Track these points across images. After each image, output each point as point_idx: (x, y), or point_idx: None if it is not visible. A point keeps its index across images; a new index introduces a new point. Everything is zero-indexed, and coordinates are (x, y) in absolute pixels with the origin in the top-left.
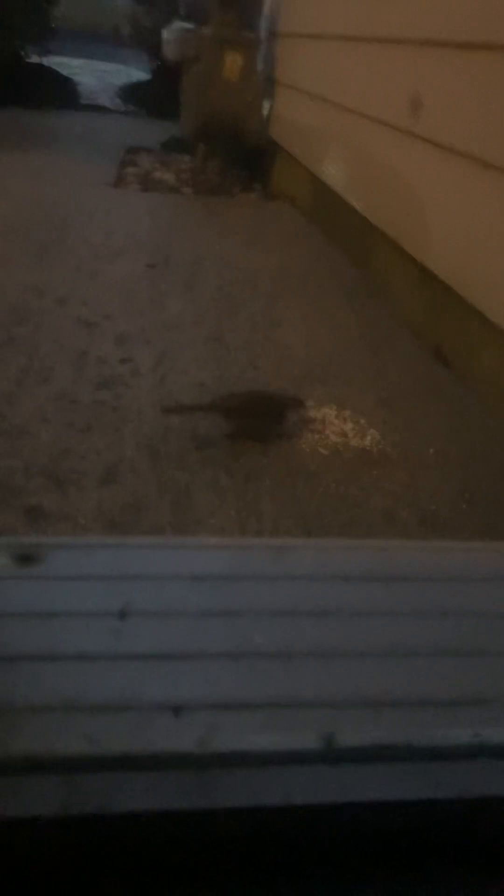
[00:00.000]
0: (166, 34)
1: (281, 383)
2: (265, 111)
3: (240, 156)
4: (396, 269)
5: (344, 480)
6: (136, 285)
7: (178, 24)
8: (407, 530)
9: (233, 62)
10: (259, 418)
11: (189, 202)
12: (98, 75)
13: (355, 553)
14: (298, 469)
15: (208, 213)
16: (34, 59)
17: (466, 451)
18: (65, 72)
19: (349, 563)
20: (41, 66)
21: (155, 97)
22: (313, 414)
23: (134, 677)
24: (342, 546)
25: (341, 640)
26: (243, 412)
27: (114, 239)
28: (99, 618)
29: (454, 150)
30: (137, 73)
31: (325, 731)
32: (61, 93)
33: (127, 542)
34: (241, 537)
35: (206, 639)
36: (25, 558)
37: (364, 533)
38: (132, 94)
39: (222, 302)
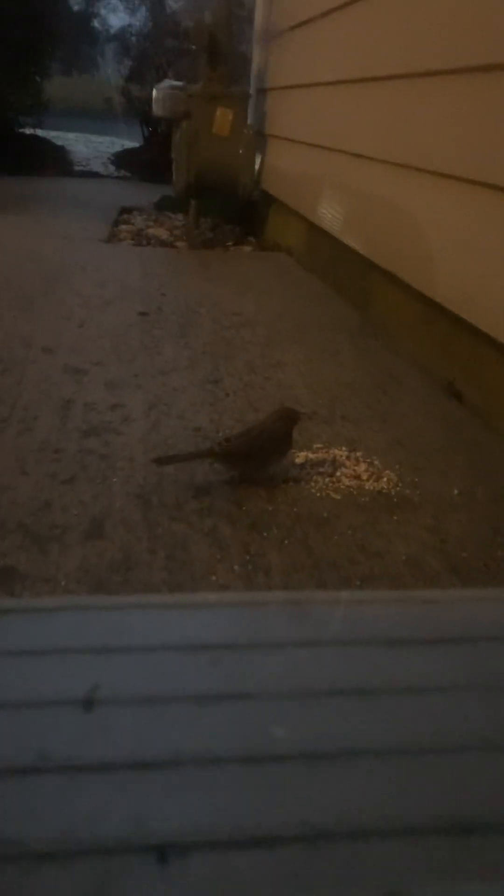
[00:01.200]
0: (156, 93)
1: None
2: (257, 164)
3: (233, 210)
4: (400, 307)
5: (361, 527)
6: (127, 332)
7: (167, 83)
8: (437, 581)
9: (223, 117)
10: (262, 462)
11: (182, 255)
12: (91, 145)
13: (396, 608)
14: (309, 516)
15: (202, 264)
16: (28, 130)
17: (493, 491)
18: (59, 142)
19: (390, 621)
20: (35, 136)
21: (147, 162)
22: (322, 456)
23: (98, 802)
24: (378, 599)
25: (394, 733)
26: (244, 456)
27: (105, 289)
28: (56, 709)
29: (456, 177)
30: (130, 143)
31: (388, 890)
32: (55, 161)
33: (99, 603)
34: (248, 591)
35: (206, 736)
36: None
37: (388, 587)
38: (124, 160)
39: (218, 346)
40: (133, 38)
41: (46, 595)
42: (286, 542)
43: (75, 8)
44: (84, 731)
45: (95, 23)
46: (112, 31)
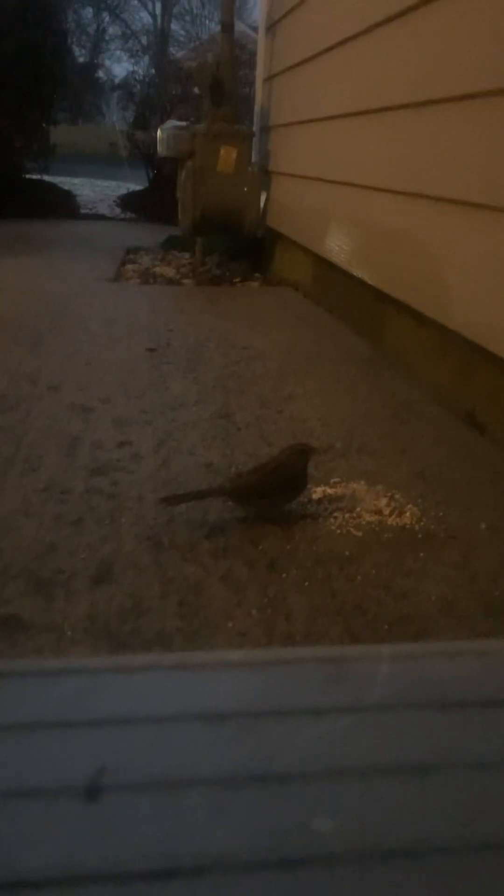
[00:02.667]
0: (160, 133)
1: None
2: (262, 201)
3: (239, 247)
4: (413, 337)
5: (385, 566)
6: (135, 368)
7: (172, 123)
8: (471, 623)
9: (227, 155)
10: (278, 498)
11: (189, 292)
12: (97, 189)
13: (444, 663)
14: (329, 555)
15: (209, 300)
16: (35, 176)
17: None
18: (65, 187)
19: (439, 679)
20: (42, 181)
21: (152, 204)
22: (340, 490)
23: None
24: (423, 653)
25: (461, 822)
26: (258, 492)
27: (112, 327)
28: (52, 800)
29: (466, 203)
30: (135, 186)
31: None
32: (62, 204)
33: (106, 665)
34: (276, 648)
35: (233, 832)
36: None
37: (419, 630)
38: (130, 202)
39: (228, 380)
40: (137, 85)
41: (50, 650)
42: (307, 583)
43: (81, 60)
44: (85, 828)
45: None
46: (116, 80)
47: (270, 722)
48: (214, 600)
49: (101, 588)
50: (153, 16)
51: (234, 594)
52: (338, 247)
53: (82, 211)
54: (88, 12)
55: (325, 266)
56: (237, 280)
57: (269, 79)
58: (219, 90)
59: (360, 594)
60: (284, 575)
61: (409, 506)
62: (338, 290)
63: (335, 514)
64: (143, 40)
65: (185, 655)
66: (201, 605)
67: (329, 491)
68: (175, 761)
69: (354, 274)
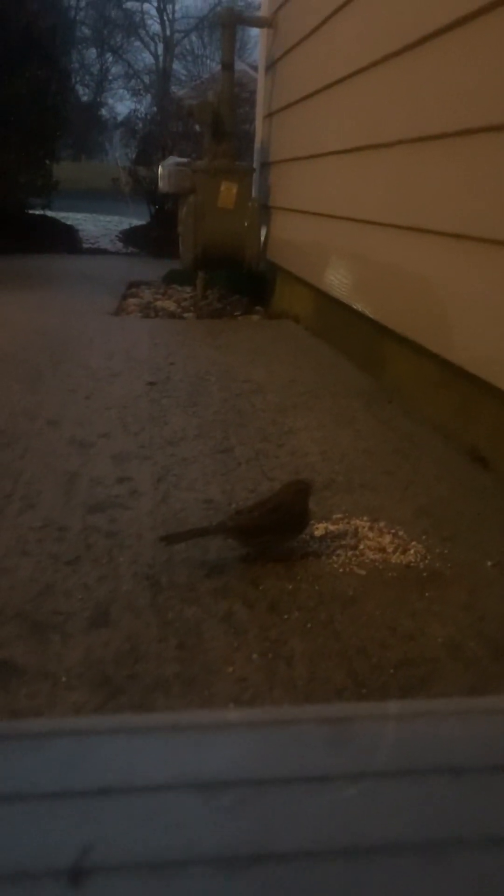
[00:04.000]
0: (162, 170)
1: (293, 478)
2: (262, 235)
3: (240, 280)
4: (414, 370)
5: (390, 606)
6: (135, 403)
7: (173, 160)
8: (480, 668)
9: (228, 191)
10: (279, 535)
11: (190, 326)
12: (99, 224)
13: (455, 723)
14: (332, 594)
15: (210, 334)
16: (38, 211)
17: None
18: (68, 222)
19: (450, 739)
20: (45, 216)
21: (154, 239)
22: (343, 527)
23: None
24: (432, 711)
25: None
26: (260, 529)
27: (113, 361)
28: (33, 885)
29: (466, 237)
30: (137, 221)
31: None
32: (64, 239)
33: (97, 726)
34: (276, 707)
35: None
36: None
37: (425, 675)
38: (132, 237)
39: (229, 414)
40: (139, 123)
41: (44, 697)
42: (309, 625)
43: (85, 98)
44: None
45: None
46: (119, 118)
47: (271, 791)
48: (214, 644)
49: (98, 631)
50: (155, 56)
51: (234, 637)
52: (338, 280)
53: (85, 245)
54: (92, 53)
55: (325, 299)
56: (238, 313)
57: (269, 116)
58: (219, 127)
59: (364, 636)
60: (286, 616)
61: (414, 543)
62: (338, 324)
63: (338, 552)
64: (146, 79)
65: (181, 715)
66: (201, 648)
67: (331, 527)
68: (168, 838)
69: (355, 307)
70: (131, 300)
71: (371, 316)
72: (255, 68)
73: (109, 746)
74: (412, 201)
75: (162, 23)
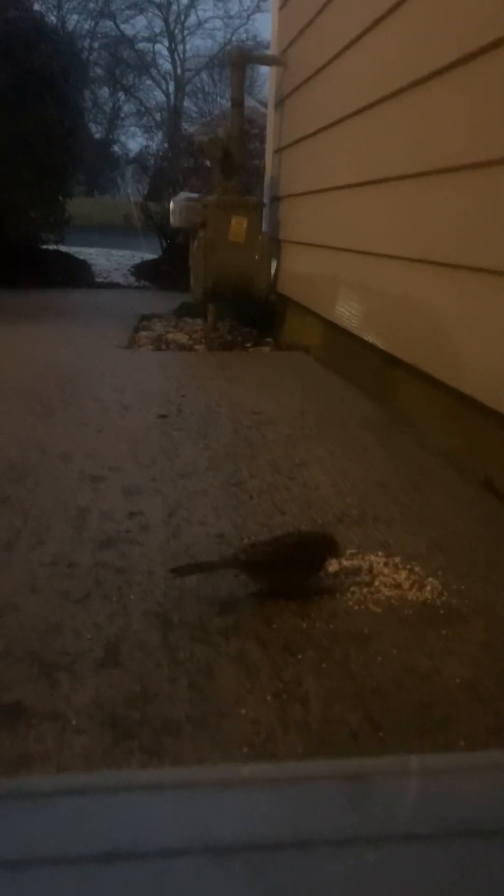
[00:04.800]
0: (173, 205)
1: (315, 529)
2: (272, 268)
3: (250, 313)
4: (425, 400)
5: (406, 645)
6: (146, 436)
7: (184, 195)
8: (499, 708)
9: (238, 225)
10: (292, 571)
11: (201, 358)
12: (112, 258)
13: (483, 779)
14: (347, 633)
15: (221, 366)
16: (51, 246)
17: None
18: (80, 256)
19: (478, 797)
20: (57, 251)
21: (166, 272)
22: (357, 563)
23: None
24: (457, 767)
25: None
26: (272, 565)
27: (124, 394)
28: None
29: (475, 268)
30: (149, 255)
31: None
32: (77, 273)
33: (101, 782)
34: (292, 762)
35: None
36: None
37: (443, 717)
38: (144, 270)
39: (240, 447)
40: (151, 159)
41: (52, 740)
42: (324, 665)
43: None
44: None
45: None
46: (131, 154)
47: (287, 856)
48: (226, 684)
49: (108, 671)
50: (167, 94)
51: (246, 678)
52: (347, 312)
53: (97, 280)
54: (105, 92)
55: (335, 330)
56: (249, 345)
57: (279, 151)
58: (229, 163)
59: (380, 676)
60: (300, 656)
61: (430, 578)
62: (348, 355)
63: (353, 589)
64: (157, 117)
65: (191, 771)
66: (212, 689)
67: (346, 563)
68: None
69: (365, 338)
70: (143, 333)
71: (381, 347)
72: (265, 105)
73: (117, 805)
74: (420, 233)
75: (173, 62)
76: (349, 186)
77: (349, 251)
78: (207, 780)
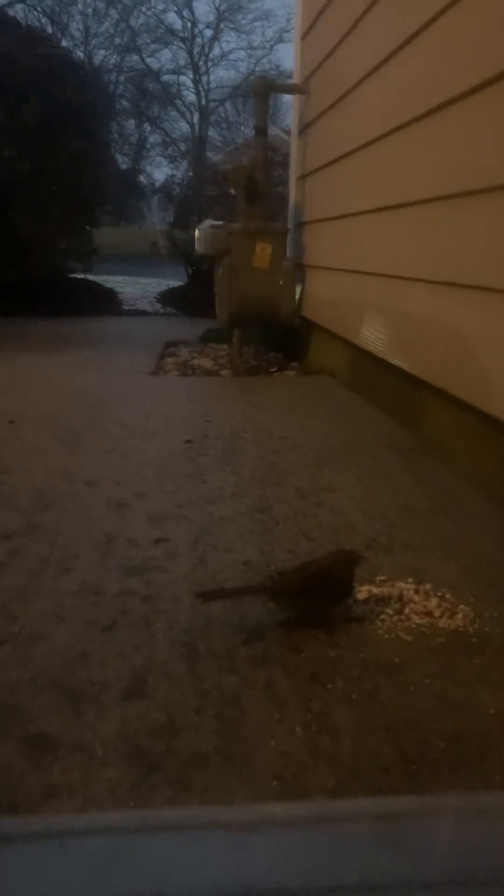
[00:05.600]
0: (198, 232)
1: (339, 547)
2: (297, 293)
3: (275, 338)
4: (453, 424)
5: (438, 674)
6: (171, 462)
7: (209, 222)
8: None
9: (262, 251)
10: (320, 599)
11: (227, 383)
12: (138, 286)
13: None
14: (377, 662)
15: (246, 390)
16: (79, 275)
17: None
18: (108, 284)
19: None
20: (86, 280)
21: (191, 299)
22: (387, 590)
23: None
24: (493, 808)
25: None
26: (300, 593)
27: (150, 420)
28: None
29: (499, 290)
30: (175, 283)
31: None
32: (104, 301)
33: (121, 823)
34: (322, 801)
35: None
36: None
37: (478, 749)
38: (170, 298)
39: (266, 472)
40: (176, 188)
41: (78, 772)
42: (354, 695)
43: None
44: None
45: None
46: (157, 184)
47: None
48: (254, 715)
49: (134, 702)
50: (191, 124)
51: (275, 709)
52: (373, 335)
53: (124, 307)
54: (131, 123)
55: (361, 354)
56: (274, 370)
57: (302, 178)
58: (253, 190)
59: (411, 707)
60: (329, 686)
61: (461, 606)
62: (374, 378)
63: (382, 617)
64: (182, 147)
65: (218, 810)
66: (240, 720)
67: (375, 590)
68: None
69: (391, 361)
70: (169, 359)
71: (407, 370)
72: (288, 132)
73: (141, 847)
74: (446, 256)
75: (197, 93)
76: (373, 211)
77: (374, 275)
78: (234, 821)
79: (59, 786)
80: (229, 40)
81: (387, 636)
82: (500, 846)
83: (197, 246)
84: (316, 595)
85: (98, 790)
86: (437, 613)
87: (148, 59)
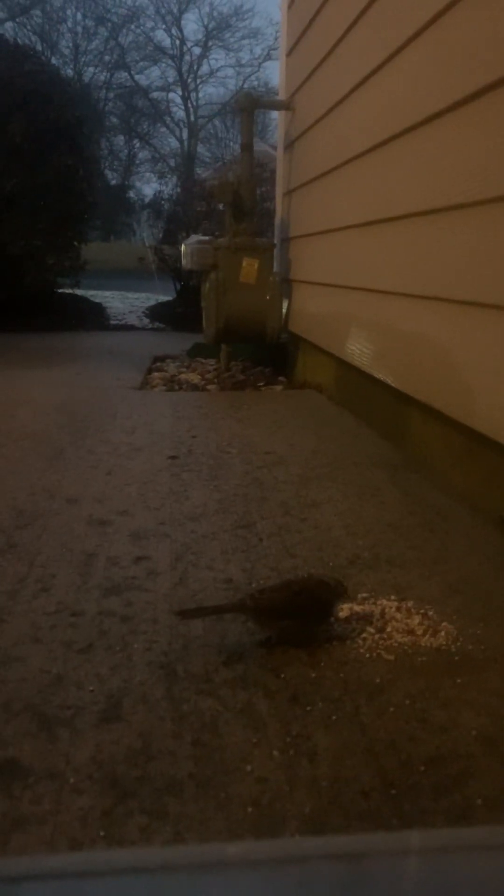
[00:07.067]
0: (184, 248)
1: (324, 572)
2: (284, 308)
3: (262, 353)
4: (439, 439)
5: (420, 695)
6: (155, 478)
7: (195, 238)
8: None
9: (249, 267)
10: (301, 618)
11: (213, 398)
12: (126, 301)
13: (493, 858)
14: (358, 683)
15: (233, 405)
16: (67, 290)
17: None
18: (96, 299)
19: (484, 883)
20: (74, 295)
21: (179, 314)
22: (368, 608)
23: None
24: (465, 843)
25: None
26: (281, 611)
27: (134, 436)
28: None
29: (485, 304)
30: (163, 298)
31: None
32: (92, 316)
33: (68, 867)
34: (283, 840)
35: None
36: None
37: (459, 772)
38: (158, 312)
39: (250, 488)
40: (164, 203)
41: (49, 801)
42: (334, 717)
43: (113, 182)
44: None
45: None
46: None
47: None
48: (232, 739)
49: (109, 727)
50: (180, 140)
51: (252, 732)
52: (359, 350)
53: (112, 322)
54: (120, 139)
55: (347, 369)
56: (261, 384)
57: (289, 193)
58: (239, 206)
59: (392, 729)
60: (309, 708)
61: (444, 623)
62: (361, 393)
63: (364, 635)
64: (171, 162)
65: (173, 851)
66: (217, 745)
67: (357, 608)
68: None
69: (377, 376)
70: (156, 374)
71: (393, 384)
72: (276, 148)
73: (91, 893)
74: (430, 271)
75: (186, 109)
76: (358, 225)
77: (359, 289)
78: (189, 863)
79: (28, 816)
80: (218, 58)
81: (368, 655)
82: (473, 885)
83: (184, 261)
84: (296, 614)
85: (69, 819)
86: (419, 631)
87: (137, 77)
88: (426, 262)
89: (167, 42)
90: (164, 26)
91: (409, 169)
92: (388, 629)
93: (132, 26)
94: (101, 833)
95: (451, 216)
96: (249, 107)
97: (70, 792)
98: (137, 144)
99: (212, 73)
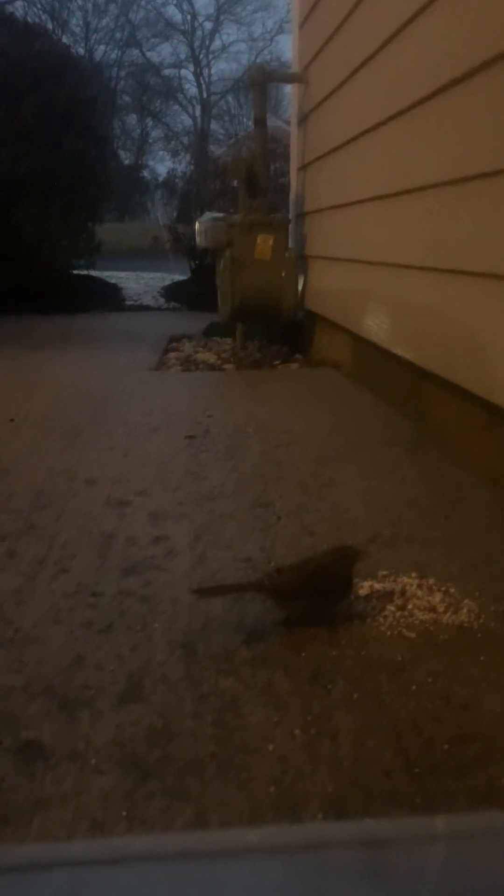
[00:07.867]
0: (198, 226)
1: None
2: (300, 285)
3: (279, 330)
4: (459, 415)
5: (442, 673)
6: (173, 459)
7: (209, 215)
8: None
9: (264, 243)
10: (321, 596)
11: (230, 377)
12: (142, 281)
13: None
14: (380, 661)
15: (249, 384)
16: (82, 272)
17: None
18: (111, 280)
19: None
20: (89, 276)
21: (195, 293)
22: (389, 585)
23: None
24: (489, 829)
25: None
26: (301, 590)
27: (152, 416)
28: None
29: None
30: (178, 277)
31: None
32: (108, 297)
33: (91, 854)
34: (302, 826)
35: None
36: None
37: (482, 751)
38: (173, 292)
39: (268, 467)
40: (178, 182)
41: (70, 781)
42: (355, 696)
43: (126, 162)
44: None
45: (145, 173)
46: (160, 178)
47: None
48: (252, 719)
49: (130, 707)
50: (193, 118)
51: (273, 711)
52: (377, 326)
53: (127, 303)
54: (133, 118)
55: (365, 345)
56: (277, 363)
57: (303, 168)
58: (253, 182)
59: (414, 708)
60: (330, 687)
61: (466, 601)
62: (379, 369)
63: (385, 613)
64: (185, 140)
65: (192, 837)
66: (238, 725)
67: (377, 586)
68: None
69: (395, 352)
70: (172, 354)
71: (412, 360)
72: (290, 123)
73: (110, 880)
74: (449, 244)
75: (199, 86)
76: (375, 199)
77: (377, 264)
78: (207, 850)
79: (50, 797)
80: (230, 32)
81: (389, 633)
82: (494, 872)
83: (198, 239)
84: (315, 593)
85: (90, 800)
86: (440, 609)
87: (148, 54)
88: (448, 235)
89: (178, 17)
90: (174, 1)
91: (425, 140)
92: (409, 606)
93: (142, 2)
94: (124, 813)
95: (470, 186)
96: (262, 81)
97: (91, 773)
98: (150, 123)
99: (224, 48)
